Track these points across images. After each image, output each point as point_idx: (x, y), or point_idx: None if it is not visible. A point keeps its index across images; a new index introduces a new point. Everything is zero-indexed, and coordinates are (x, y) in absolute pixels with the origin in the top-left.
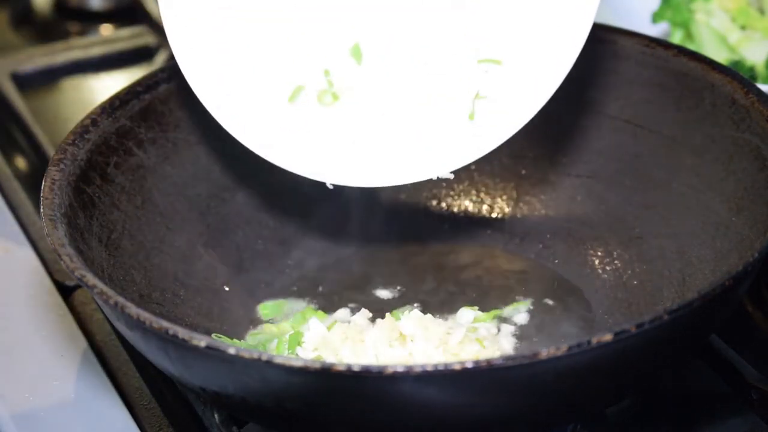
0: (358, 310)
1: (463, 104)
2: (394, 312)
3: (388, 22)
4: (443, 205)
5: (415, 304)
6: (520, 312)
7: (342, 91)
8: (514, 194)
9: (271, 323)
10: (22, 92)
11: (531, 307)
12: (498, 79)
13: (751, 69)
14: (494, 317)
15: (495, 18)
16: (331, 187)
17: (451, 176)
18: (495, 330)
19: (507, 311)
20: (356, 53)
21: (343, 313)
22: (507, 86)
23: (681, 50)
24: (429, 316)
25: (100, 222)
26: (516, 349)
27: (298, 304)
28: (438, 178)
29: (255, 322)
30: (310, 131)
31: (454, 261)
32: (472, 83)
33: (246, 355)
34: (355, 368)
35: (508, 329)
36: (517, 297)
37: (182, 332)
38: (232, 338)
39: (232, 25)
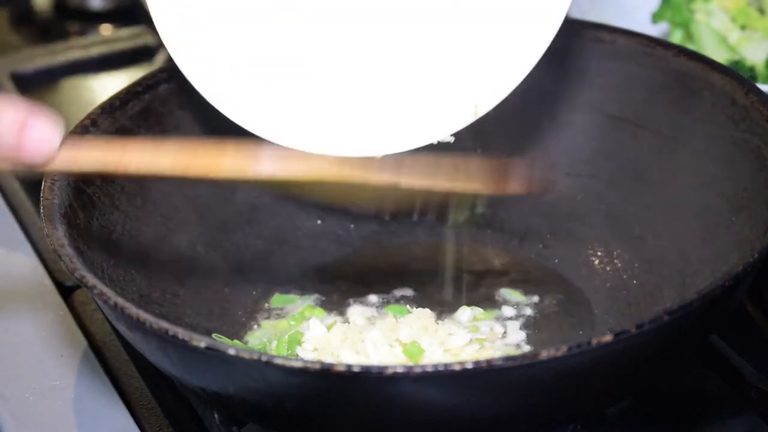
0: (359, 309)
1: (458, 65)
2: (394, 311)
3: None
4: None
5: (415, 304)
6: (519, 312)
7: (332, 59)
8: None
9: (271, 321)
10: (22, 92)
11: (531, 307)
12: (492, 36)
13: (751, 69)
14: (494, 317)
15: None
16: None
17: (452, 140)
18: (496, 329)
19: (507, 311)
20: None
21: (343, 312)
22: (502, 43)
23: (681, 50)
24: (429, 315)
25: (100, 222)
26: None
27: (303, 301)
28: (439, 142)
29: (255, 322)
30: (304, 104)
31: (454, 260)
32: (464, 42)
33: (246, 355)
34: (355, 368)
35: (514, 326)
36: (517, 297)
37: (182, 333)
38: (232, 338)
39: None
